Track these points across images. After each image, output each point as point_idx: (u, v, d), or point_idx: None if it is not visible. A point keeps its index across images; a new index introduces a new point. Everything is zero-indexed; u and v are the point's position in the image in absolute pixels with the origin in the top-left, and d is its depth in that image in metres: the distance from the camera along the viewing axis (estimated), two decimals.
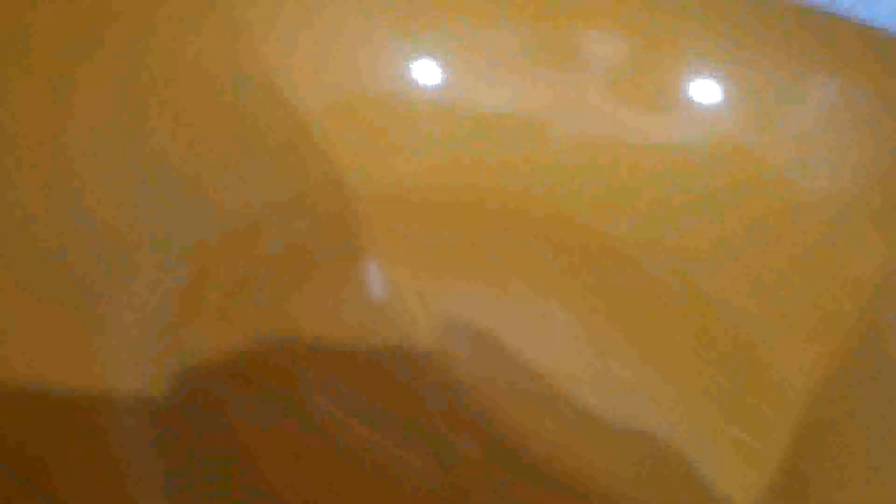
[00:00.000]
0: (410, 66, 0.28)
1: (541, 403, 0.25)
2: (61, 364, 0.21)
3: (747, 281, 0.27)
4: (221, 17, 0.25)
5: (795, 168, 0.27)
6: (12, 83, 0.22)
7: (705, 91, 0.29)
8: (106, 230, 0.23)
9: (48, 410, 0.20)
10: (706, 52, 0.29)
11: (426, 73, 0.28)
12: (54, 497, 0.19)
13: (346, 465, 0.23)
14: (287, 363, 0.24)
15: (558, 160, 0.28)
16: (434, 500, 0.22)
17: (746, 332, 0.26)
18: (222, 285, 0.25)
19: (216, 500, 0.21)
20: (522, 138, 0.28)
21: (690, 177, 0.28)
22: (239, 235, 0.25)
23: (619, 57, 0.29)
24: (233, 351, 0.24)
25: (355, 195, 0.27)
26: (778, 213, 0.27)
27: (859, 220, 0.26)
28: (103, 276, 0.22)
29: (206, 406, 0.23)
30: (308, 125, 0.26)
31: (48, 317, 0.21)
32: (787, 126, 0.28)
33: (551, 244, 0.28)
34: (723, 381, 0.25)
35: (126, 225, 0.23)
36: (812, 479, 0.23)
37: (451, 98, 0.28)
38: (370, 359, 0.25)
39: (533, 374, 0.25)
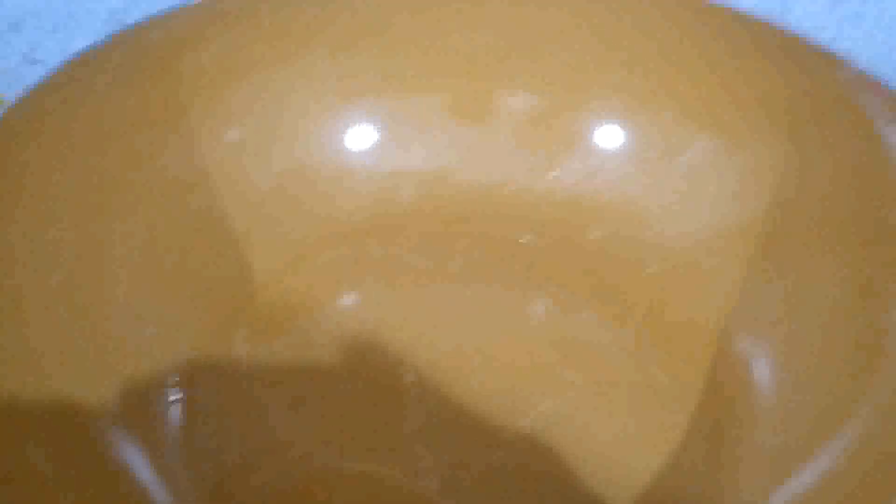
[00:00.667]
0: (347, 132, 0.33)
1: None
2: None
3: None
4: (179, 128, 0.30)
5: (669, 214, 0.33)
6: None
7: (601, 141, 0.34)
8: None
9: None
10: (605, 108, 0.33)
11: (361, 137, 0.34)
12: None
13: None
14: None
15: (470, 202, 0.34)
16: None
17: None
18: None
19: None
20: (441, 186, 0.34)
21: (584, 213, 0.34)
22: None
23: (528, 112, 0.34)
24: None
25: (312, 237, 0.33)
26: (649, 254, 0.32)
27: (720, 265, 0.31)
28: None
29: None
30: (261, 199, 0.32)
31: None
32: (668, 176, 0.33)
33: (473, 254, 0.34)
34: None
35: None
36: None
37: (383, 157, 0.33)
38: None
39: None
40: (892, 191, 0.28)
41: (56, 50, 0.34)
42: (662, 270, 0.32)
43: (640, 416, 0.29)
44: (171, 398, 0.28)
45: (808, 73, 0.31)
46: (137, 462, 0.26)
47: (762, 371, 0.29)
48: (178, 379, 0.29)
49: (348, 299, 0.33)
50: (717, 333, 0.30)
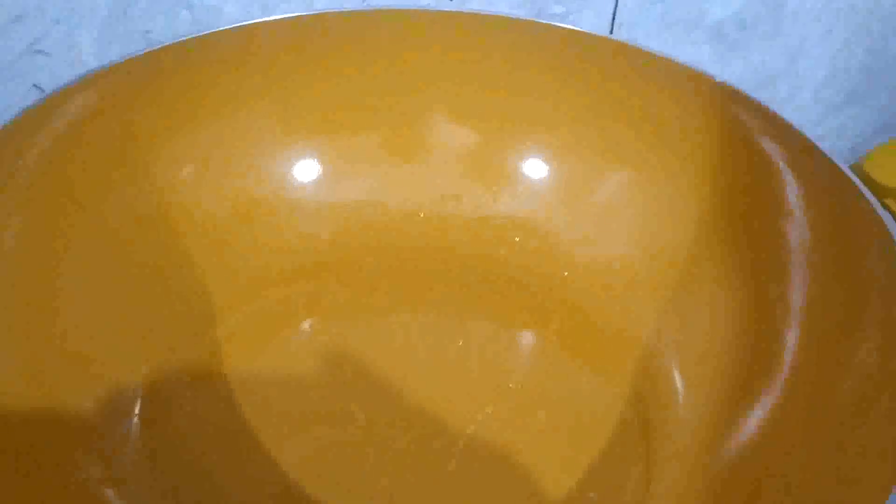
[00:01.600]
0: (293, 167, 0.36)
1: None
2: None
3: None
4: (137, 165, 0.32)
5: (588, 240, 0.36)
6: None
7: (528, 173, 0.37)
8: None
9: None
10: (529, 144, 0.37)
11: (306, 171, 0.36)
12: None
13: None
14: None
15: (406, 230, 0.37)
16: None
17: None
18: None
19: None
20: (380, 216, 0.37)
21: (511, 239, 0.37)
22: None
23: (461, 147, 0.37)
24: None
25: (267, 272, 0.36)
26: (572, 275, 0.36)
27: (633, 287, 0.35)
28: None
29: None
30: (217, 229, 0.34)
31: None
32: (587, 206, 0.36)
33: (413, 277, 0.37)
34: None
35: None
36: None
37: (327, 190, 0.36)
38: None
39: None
40: (778, 201, 0.32)
41: (60, 41, 0.35)
42: (583, 290, 0.36)
43: (572, 413, 0.33)
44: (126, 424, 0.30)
45: (700, 104, 0.35)
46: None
47: (674, 381, 0.33)
48: (137, 400, 0.31)
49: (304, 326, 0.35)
50: (631, 345, 0.34)
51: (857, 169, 0.46)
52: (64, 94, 0.31)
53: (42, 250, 0.30)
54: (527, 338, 0.36)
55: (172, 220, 0.33)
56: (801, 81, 0.49)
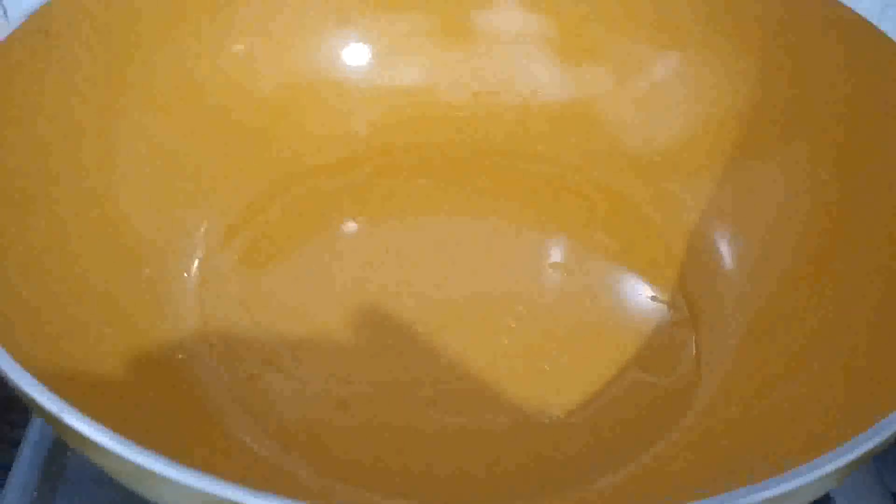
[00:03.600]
0: (343, 50, 0.36)
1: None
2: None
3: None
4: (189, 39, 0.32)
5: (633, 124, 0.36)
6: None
7: (578, 59, 0.36)
8: None
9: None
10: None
11: (356, 55, 0.36)
12: None
13: None
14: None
15: (460, 114, 0.37)
16: None
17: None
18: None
19: None
20: (423, 99, 0.36)
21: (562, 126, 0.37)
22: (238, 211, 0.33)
23: (513, 32, 0.36)
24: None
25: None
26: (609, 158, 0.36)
27: (682, 174, 0.35)
28: None
29: None
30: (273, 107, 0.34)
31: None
32: (635, 89, 0.36)
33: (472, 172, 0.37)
34: None
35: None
36: None
37: (377, 74, 0.36)
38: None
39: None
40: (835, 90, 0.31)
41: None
42: (630, 181, 0.36)
43: (619, 304, 0.33)
44: None
45: None
46: None
47: (728, 259, 0.32)
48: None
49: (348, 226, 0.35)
50: (680, 233, 0.34)
51: None
52: None
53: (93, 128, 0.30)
54: (572, 230, 0.35)
55: (219, 98, 0.33)
56: None
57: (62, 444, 0.29)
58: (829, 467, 0.19)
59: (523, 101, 0.37)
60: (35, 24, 0.29)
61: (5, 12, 0.35)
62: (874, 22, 0.30)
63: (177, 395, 0.27)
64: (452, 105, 0.37)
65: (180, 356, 0.29)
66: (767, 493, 0.18)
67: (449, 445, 0.28)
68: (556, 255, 0.35)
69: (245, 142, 0.34)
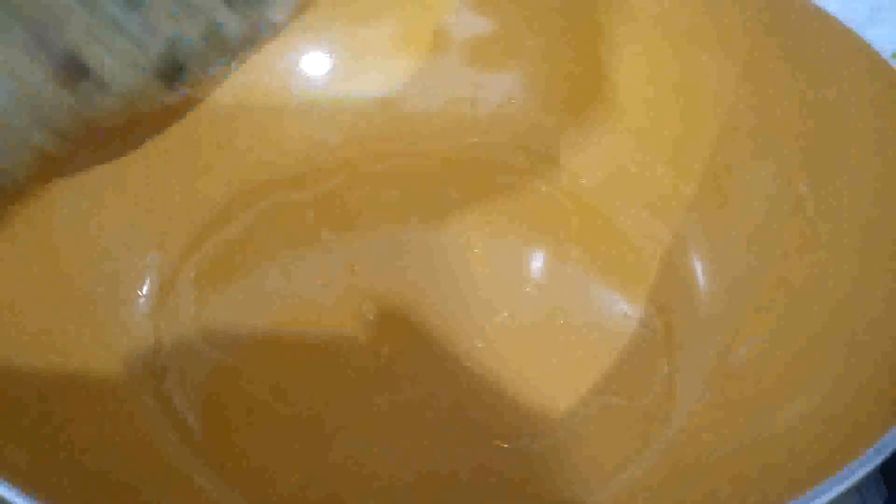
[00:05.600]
0: (302, 58, 0.34)
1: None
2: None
3: None
4: None
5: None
6: None
7: None
8: None
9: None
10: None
11: (316, 63, 0.35)
12: None
13: None
14: None
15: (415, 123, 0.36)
16: None
17: None
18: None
19: None
20: (389, 110, 0.35)
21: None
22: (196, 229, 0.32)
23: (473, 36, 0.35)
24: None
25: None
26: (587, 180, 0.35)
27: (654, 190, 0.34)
28: None
29: None
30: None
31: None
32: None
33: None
34: None
35: None
36: None
37: (337, 83, 0.35)
38: None
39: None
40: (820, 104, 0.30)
41: None
42: (602, 194, 0.34)
43: (592, 319, 0.32)
44: None
45: None
46: None
47: (699, 285, 0.31)
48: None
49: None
50: (653, 249, 0.33)
51: None
52: None
53: None
54: (545, 243, 0.34)
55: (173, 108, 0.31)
56: None
57: None
58: None
59: (494, 110, 0.36)
60: None
61: None
62: (864, 26, 0.29)
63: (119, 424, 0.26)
64: (421, 114, 0.35)
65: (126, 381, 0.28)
66: None
67: (407, 470, 0.27)
68: (527, 269, 0.34)
69: (203, 156, 0.33)
